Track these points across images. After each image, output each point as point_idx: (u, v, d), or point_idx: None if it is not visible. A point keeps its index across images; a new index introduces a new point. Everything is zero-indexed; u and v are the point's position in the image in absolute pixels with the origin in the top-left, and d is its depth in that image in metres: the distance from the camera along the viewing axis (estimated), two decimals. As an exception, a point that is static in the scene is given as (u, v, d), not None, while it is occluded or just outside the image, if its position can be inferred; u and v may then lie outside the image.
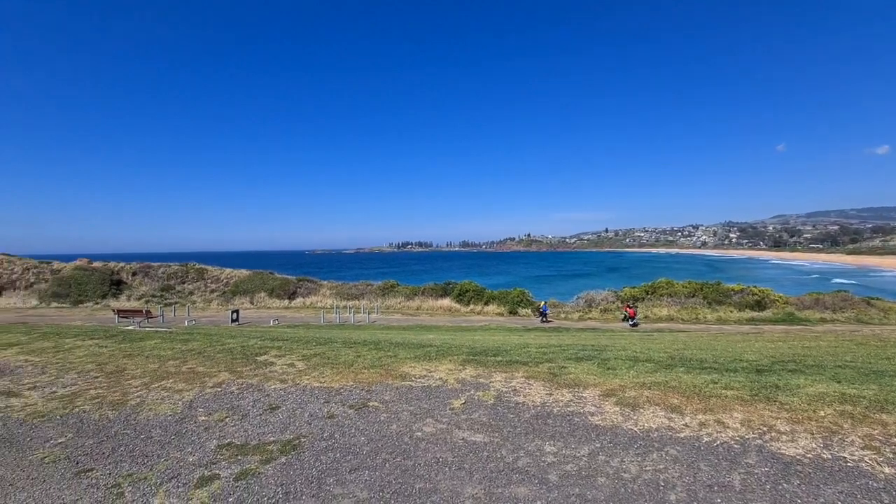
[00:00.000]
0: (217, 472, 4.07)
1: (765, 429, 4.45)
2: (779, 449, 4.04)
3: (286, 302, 33.44)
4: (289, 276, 37.92)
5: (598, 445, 4.30)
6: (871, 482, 3.46)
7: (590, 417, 4.99)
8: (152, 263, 39.22)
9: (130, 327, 17.83)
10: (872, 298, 27.05)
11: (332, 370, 7.41)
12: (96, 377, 7.43)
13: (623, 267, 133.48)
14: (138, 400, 6.15)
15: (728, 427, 4.54)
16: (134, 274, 37.11)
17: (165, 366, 8.03)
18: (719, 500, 3.33)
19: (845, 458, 3.83)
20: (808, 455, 3.91)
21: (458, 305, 30.41)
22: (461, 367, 7.41)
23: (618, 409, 5.20)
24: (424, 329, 20.10)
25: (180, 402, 5.98)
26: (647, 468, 3.83)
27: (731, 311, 26.51)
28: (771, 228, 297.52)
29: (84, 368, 8.05)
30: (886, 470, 3.61)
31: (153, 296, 33.90)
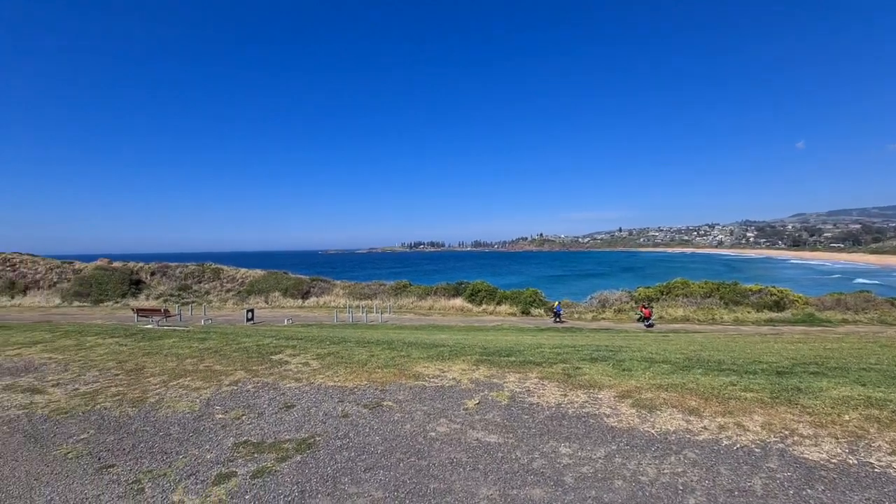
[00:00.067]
0: (234, 469, 4.12)
1: (787, 432, 4.35)
2: (802, 453, 3.94)
3: (300, 301, 33.77)
4: (302, 276, 38.28)
5: (614, 447, 4.25)
6: (899, 489, 3.36)
7: (605, 419, 4.93)
8: (170, 263, 39.94)
9: (149, 326, 18.18)
10: (897, 299, 26.27)
11: (345, 369, 7.46)
12: (117, 375, 7.59)
13: (637, 267, 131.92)
14: (157, 397, 6.27)
15: (748, 430, 4.44)
16: (152, 274, 37.85)
17: (183, 364, 8.17)
18: (740, 505, 3.26)
19: (872, 463, 3.72)
20: (833, 460, 3.80)
21: (470, 305, 30.37)
22: (474, 368, 7.39)
23: (634, 410, 5.13)
24: (437, 329, 20.11)
25: (198, 400, 6.07)
26: (665, 471, 3.77)
27: (748, 312, 26.00)
28: (790, 227, 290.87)
29: (105, 366, 8.23)
30: (916, 476, 3.50)
31: (171, 295, 34.53)
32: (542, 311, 28.22)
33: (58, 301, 32.89)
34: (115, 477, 4.08)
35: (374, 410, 5.47)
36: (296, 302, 33.68)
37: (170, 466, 4.24)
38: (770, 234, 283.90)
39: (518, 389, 6.09)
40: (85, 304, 32.44)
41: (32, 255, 39.14)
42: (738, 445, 4.15)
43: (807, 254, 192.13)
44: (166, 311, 23.27)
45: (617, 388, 5.95)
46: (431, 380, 6.70)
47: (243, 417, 5.41)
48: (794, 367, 7.43)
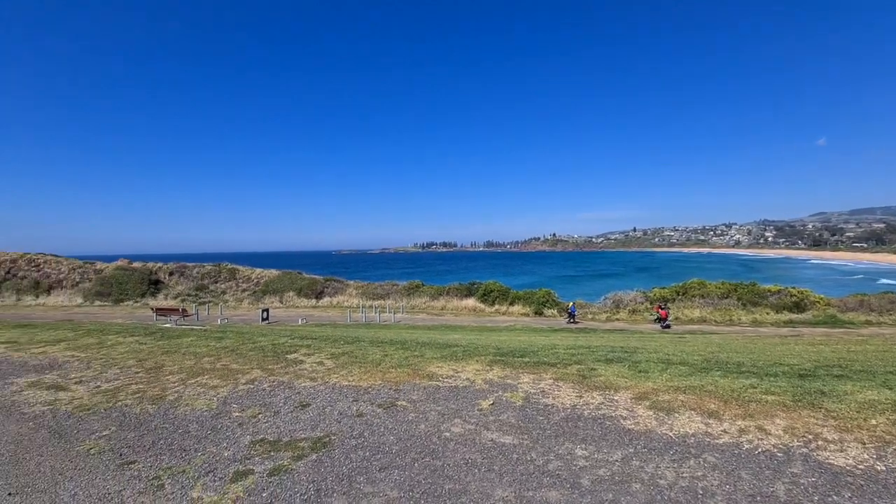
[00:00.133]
0: (251, 467, 4.16)
1: (810, 437, 4.24)
2: (827, 458, 3.83)
3: (314, 301, 34.08)
4: (316, 276, 38.63)
5: (631, 450, 4.19)
6: (930, 497, 3.24)
7: (622, 421, 4.87)
8: (187, 264, 40.66)
9: (168, 325, 18.53)
10: (924, 300, 25.43)
11: (359, 369, 7.49)
12: (137, 373, 7.75)
13: (652, 267, 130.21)
14: (176, 395, 6.38)
15: (770, 434, 4.34)
16: (170, 274, 38.57)
17: (201, 363, 8.30)
18: (763, 511, 3.19)
19: (901, 470, 3.61)
20: (860, 466, 3.69)
21: (482, 305, 30.30)
22: (488, 368, 7.37)
23: (651, 413, 5.05)
24: (450, 329, 20.11)
25: (215, 398, 6.16)
26: (685, 475, 3.70)
27: (767, 313, 25.45)
28: (810, 227, 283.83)
29: (125, 364, 8.40)
30: (948, 484, 3.38)
31: (188, 295, 35.15)
32: (555, 312, 28.03)
33: (80, 300, 33.74)
34: (136, 473, 4.16)
35: (389, 410, 5.48)
36: (310, 302, 34.00)
37: (188, 463, 4.30)
38: (789, 233, 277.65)
39: (532, 390, 6.05)
40: (106, 303, 33.21)
41: (56, 256, 40.21)
42: (760, 449, 4.05)
43: (828, 254, 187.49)
44: (184, 310, 23.71)
45: (633, 390, 5.87)
46: (445, 380, 6.69)
47: (259, 416, 5.47)
48: (817, 369, 7.24)
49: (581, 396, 5.73)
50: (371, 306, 29.65)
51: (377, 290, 35.18)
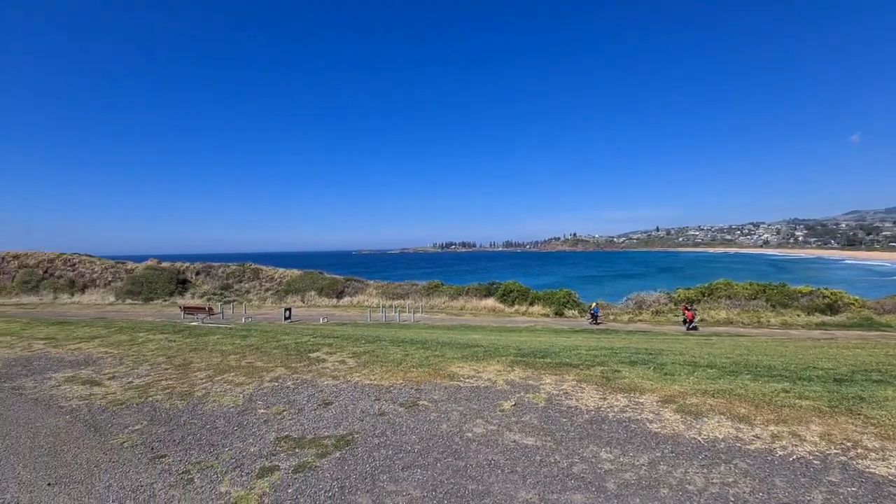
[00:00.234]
0: (277, 463, 4.23)
1: (849, 444, 4.06)
2: (867, 467, 3.67)
3: (335, 301, 34.50)
4: (337, 276, 39.10)
5: (658, 454, 4.10)
6: (982, 510, 3.07)
7: (648, 424, 4.76)
8: (213, 263, 41.71)
9: (195, 323, 19.04)
10: (969, 302, 24.15)
11: (381, 368, 7.54)
12: (166, 369, 7.98)
13: (676, 267, 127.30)
14: (203, 391, 6.54)
15: (805, 441, 4.18)
16: (197, 273, 39.64)
17: (227, 360, 8.49)
18: (799, 520, 3.07)
19: (949, 481, 3.42)
20: (903, 476, 3.52)
21: (502, 306, 30.14)
22: (509, 369, 7.32)
23: (678, 416, 4.93)
24: (469, 329, 20.07)
25: (241, 395, 6.29)
26: (715, 481, 3.60)
27: (798, 315, 24.56)
28: (844, 225, 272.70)
29: (156, 361, 8.67)
30: None
31: (214, 294, 36.06)
32: (575, 313, 27.67)
33: (112, 299, 34.98)
34: (166, 467, 4.28)
35: (411, 409, 5.50)
36: (331, 301, 34.43)
37: (216, 458, 4.41)
38: (821, 232, 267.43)
39: (555, 392, 5.98)
40: (136, 301, 34.34)
41: (90, 256, 41.80)
42: (795, 456, 3.91)
43: (863, 254, 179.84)
44: (210, 309, 24.32)
45: (659, 393, 5.74)
46: (466, 380, 6.68)
47: (284, 413, 5.56)
48: (854, 374, 6.95)
49: (605, 399, 5.63)
50: (391, 306, 29.84)
51: (397, 290, 35.38)
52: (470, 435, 4.71)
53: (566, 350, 9.52)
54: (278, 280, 38.69)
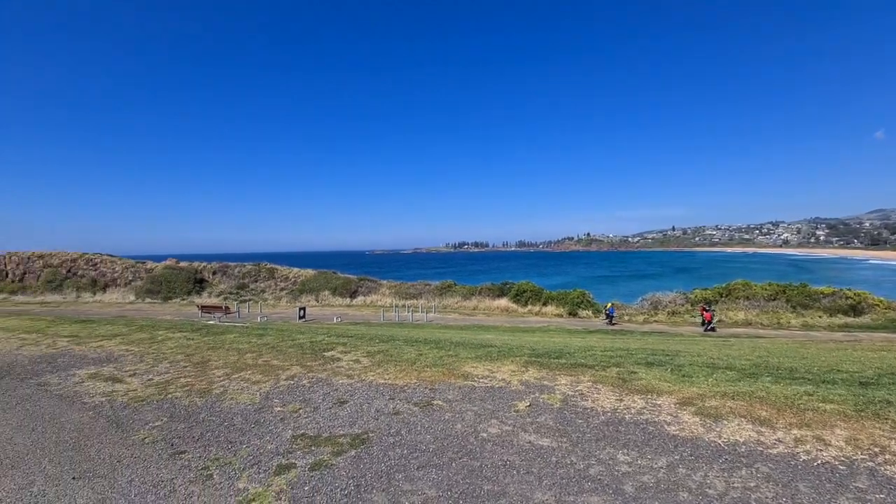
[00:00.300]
0: (293, 461, 4.28)
1: (876, 449, 3.94)
2: (896, 473, 3.56)
3: (348, 300, 34.75)
4: (350, 276, 39.37)
5: (677, 457, 4.03)
6: None
7: (666, 427, 4.69)
8: (229, 263, 42.38)
9: (212, 322, 19.36)
10: None
11: (395, 367, 7.57)
12: (185, 367, 8.13)
13: (693, 267, 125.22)
14: (221, 389, 6.64)
15: (830, 445, 4.07)
16: (214, 273, 40.30)
17: (244, 358, 8.61)
18: (824, 527, 2.99)
19: (983, 489, 3.30)
20: (935, 483, 3.41)
21: (515, 306, 30.01)
22: (524, 369, 7.28)
23: (697, 419, 4.84)
24: (482, 329, 20.03)
25: (258, 393, 6.38)
26: (736, 485, 3.52)
27: (819, 316, 23.95)
28: (868, 224, 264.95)
29: (175, 358, 8.83)
30: None
31: (230, 293, 36.61)
32: (589, 313, 27.41)
33: (132, 298, 35.77)
34: (186, 463, 4.36)
35: (425, 409, 5.51)
36: (344, 301, 34.69)
37: (235, 455, 4.47)
38: (844, 232, 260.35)
39: (570, 392, 5.93)
40: (155, 300, 35.05)
41: (111, 256, 42.82)
42: (819, 461, 3.81)
43: (888, 253, 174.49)
44: (227, 307, 24.70)
45: (677, 395, 5.65)
46: (481, 380, 6.66)
47: (300, 411, 5.61)
48: (881, 377, 6.75)
49: (621, 400, 5.56)
50: (404, 305, 29.93)
51: (410, 290, 35.48)
52: (485, 435, 4.70)
53: (581, 351, 9.43)
54: (293, 280, 39.13)
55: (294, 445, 4.62)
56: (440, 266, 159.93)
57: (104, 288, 38.17)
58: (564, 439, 4.51)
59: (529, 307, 29.52)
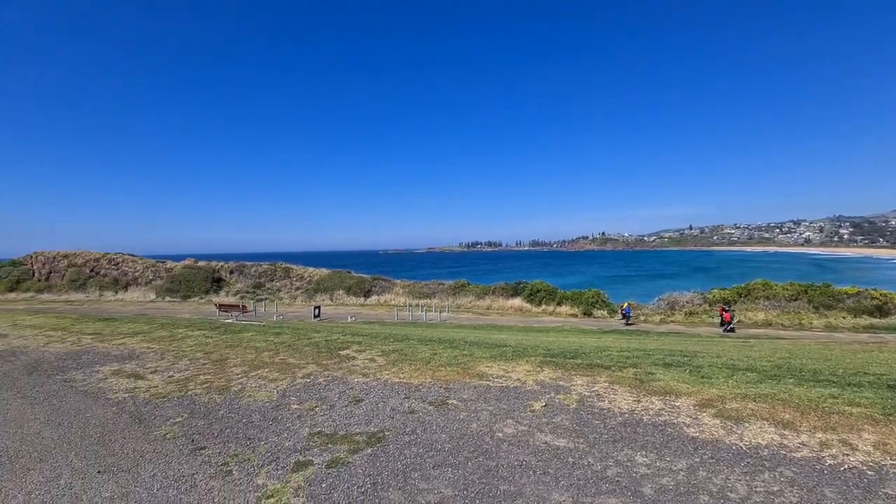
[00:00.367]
0: (310, 458, 4.32)
1: (906, 455, 3.82)
2: (927, 480, 3.44)
3: (362, 299, 34.98)
4: (364, 275, 39.60)
5: (697, 460, 3.96)
6: None
7: (685, 429, 4.61)
8: (246, 263, 43.03)
9: (229, 320, 19.68)
10: None
11: (410, 366, 7.59)
12: (204, 364, 8.28)
13: (710, 267, 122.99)
14: (240, 386, 6.75)
15: (857, 450, 3.96)
16: (231, 272, 40.97)
17: (261, 356, 8.73)
18: (852, 534, 2.91)
19: None
20: (969, 490, 3.29)
21: (529, 305, 29.85)
22: (539, 369, 7.23)
23: (718, 421, 4.75)
24: (496, 329, 19.98)
25: (275, 391, 6.46)
26: (759, 489, 3.45)
27: (843, 317, 23.30)
28: (894, 223, 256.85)
29: (194, 356, 9.00)
30: None
31: (247, 292, 37.17)
32: (605, 313, 27.12)
33: (152, 296, 36.57)
34: (206, 458, 4.44)
35: (440, 408, 5.51)
36: (358, 300, 34.93)
37: (253, 452, 4.53)
38: (868, 230, 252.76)
39: (586, 393, 5.87)
40: (175, 299, 35.78)
41: (132, 256, 43.83)
42: (846, 466, 3.70)
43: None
44: (244, 306, 25.08)
45: (696, 397, 5.55)
46: (495, 380, 6.64)
47: (316, 409, 5.67)
48: (910, 380, 6.53)
49: (639, 401, 5.49)
50: (417, 305, 30.02)
51: (423, 290, 35.56)
52: (500, 435, 4.68)
53: (597, 351, 9.34)
54: (308, 279, 39.54)
55: (311, 443, 4.67)
56: (453, 265, 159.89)
57: (126, 287, 39.10)
58: (581, 440, 4.47)
59: (543, 307, 29.34)
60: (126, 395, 6.57)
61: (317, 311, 25.33)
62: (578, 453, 4.19)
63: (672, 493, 3.46)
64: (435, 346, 9.70)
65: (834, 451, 3.97)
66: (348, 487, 3.75)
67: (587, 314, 27.38)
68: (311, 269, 41.36)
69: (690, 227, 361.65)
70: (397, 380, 6.82)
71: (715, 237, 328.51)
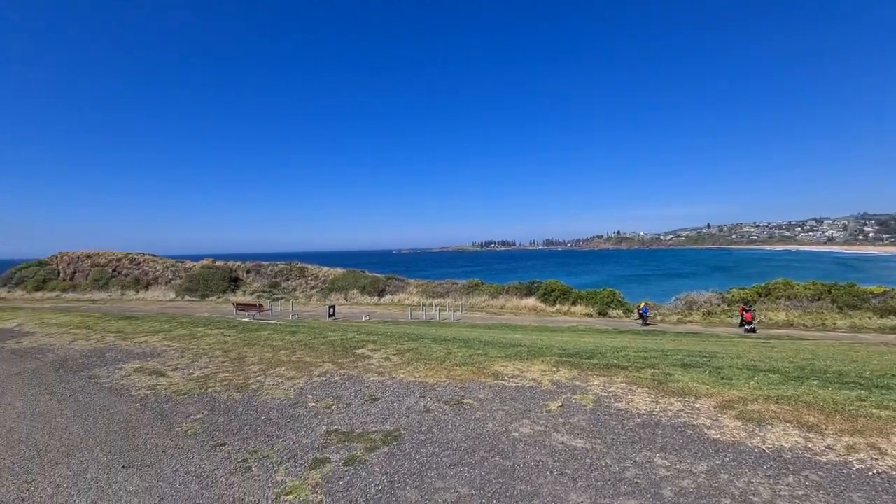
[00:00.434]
0: (328, 455, 4.36)
1: (939, 460, 3.69)
2: (962, 486, 3.32)
3: (376, 299, 35.19)
4: (378, 275, 39.84)
5: (718, 462, 3.89)
6: None
7: (705, 430, 4.53)
8: (262, 262, 43.66)
9: (246, 319, 19.99)
10: None
11: (425, 366, 7.61)
12: (223, 362, 8.42)
13: (729, 266, 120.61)
14: (258, 384, 6.85)
15: (886, 454, 3.84)
16: (248, 272, 41.60)
17: (278, 355, 8.85)
18: (882, 540, 2.82)
19: None
20: None
21: (543, 305, 29.67)
22: (555, 369, 7.19)
23: (739, 423, 4.66)
24: (510, 328, 19.91)
25: (292, 389, 6.54)
26: (783, 493, 3.37)
27: (868, 318, 22.61)
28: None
29: (213, 354, 9.17)
30: None
31: (263, 291, 37.71)
32: (620, 313, 26.81)
33: (172, 295, 37.35)
34: (226, 455, 4.52)
35: (455, 407, 5.52)
36: (372, 299, 35.15)
37: (272, 448, 4.60)
38: (895, 228, 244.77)
39: (603, 394, 5.82)
40: (194, 298, 36.48)
41: (153, 255, 44.85)
42: (875, 471, 3.60)
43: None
44: (260, 305, 25.45)
45: (716, 398, 5.45)
46: (511, 379, 6.62)
47: (333, 407, 5.72)
48: (941, 383, 6.31)
49: (657, 402, 5.41)
50: (431, 304, 30.08)
51: (437, 289, 35.62)
52: (517, 435, 4.66)
53: (613, 351, 9.24)
54: (322, 278, 39.94)
55: (328, 440, 4.72)
56: (467, 265, 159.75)
57: (146, 286, 40.02)
58: (598, 441, 4.43)
59: (558, 306, 29.14)
60: (148, 392, 6.72)
61: (331, 310, 25.57)
62: (596, 454, 4.15)
63: (692, 496, 3.40)
64: (449, 345, 9.71)
65: (862, 455, 3.86)
66: (365, 485, 3.78)
67: (602, 314, 27.11)
68: (325, 268, 41.77)
69: (708, 226, 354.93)
70: (412, 379, 6.84)
71: (734, 235, 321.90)
